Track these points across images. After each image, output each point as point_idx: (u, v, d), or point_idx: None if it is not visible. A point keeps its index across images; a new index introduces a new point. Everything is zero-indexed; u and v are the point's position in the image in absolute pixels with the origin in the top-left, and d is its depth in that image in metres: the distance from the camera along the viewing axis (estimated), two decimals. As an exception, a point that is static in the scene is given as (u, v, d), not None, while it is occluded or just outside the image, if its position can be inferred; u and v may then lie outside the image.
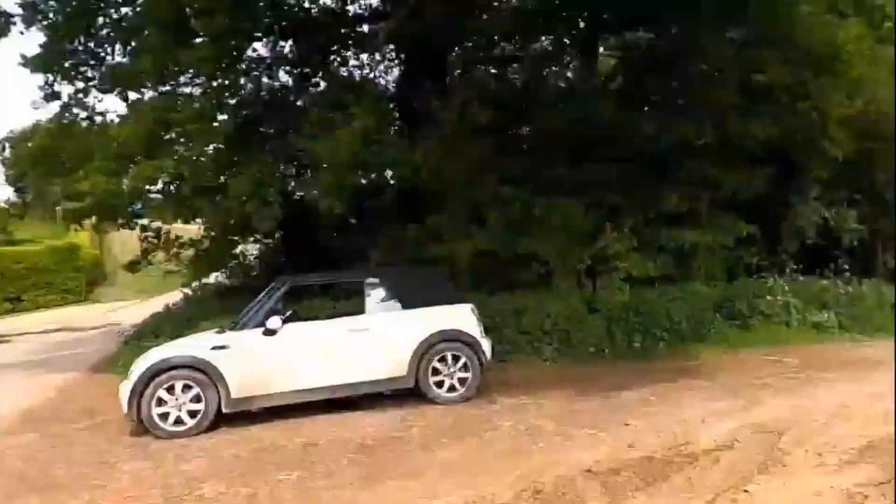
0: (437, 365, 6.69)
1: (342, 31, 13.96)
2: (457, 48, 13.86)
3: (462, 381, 6.72)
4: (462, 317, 6.89)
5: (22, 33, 11.39)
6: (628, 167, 12.97)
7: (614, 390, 6.84)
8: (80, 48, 11.95)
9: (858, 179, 14.44)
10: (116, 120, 11.95)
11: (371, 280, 7.06)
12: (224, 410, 5.97)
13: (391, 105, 13.17)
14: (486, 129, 11.57)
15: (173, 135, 11.14)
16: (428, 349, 6.61)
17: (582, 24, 13.69)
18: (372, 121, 9.87)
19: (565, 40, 14.63)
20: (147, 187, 11.39)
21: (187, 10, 10.16)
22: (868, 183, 14.25)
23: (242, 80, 12.28)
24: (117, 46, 12.05)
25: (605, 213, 12.00)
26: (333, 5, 14.11)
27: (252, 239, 14.21)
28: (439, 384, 6.69)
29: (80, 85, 12.02)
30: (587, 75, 14.55)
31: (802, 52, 11.09)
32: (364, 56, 14.99)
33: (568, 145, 13.50)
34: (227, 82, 11.49)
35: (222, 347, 6.12)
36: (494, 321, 8.98)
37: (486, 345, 6.99)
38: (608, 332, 9.14)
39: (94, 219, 15.48)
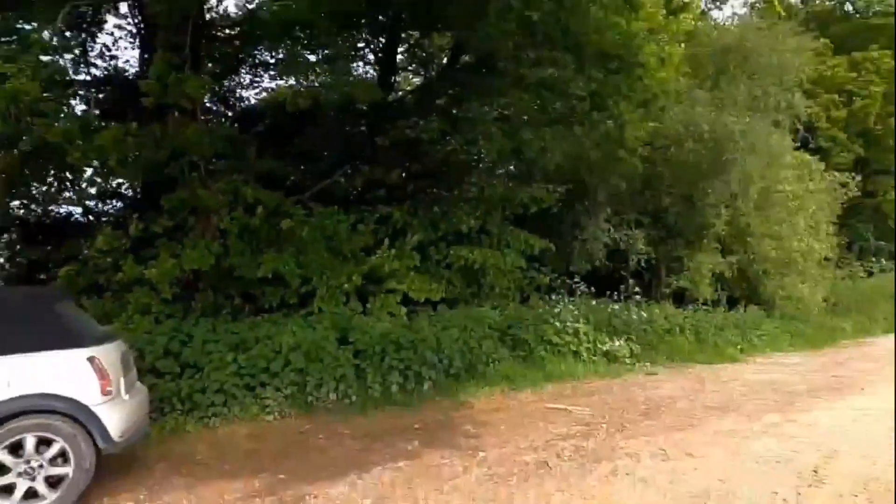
0: (4, 457, 3.64)
1: None
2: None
3: (54, 481, 3.71)
4: (66, 372, 3.88)
5: None
6: (419, 181, 11.16)
7: (337, 473, 4.24)
8: None
9: (645, 202, 14.13)
10: None
11: None
12: None
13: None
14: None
15: None
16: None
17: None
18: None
19: (359, 45, 12.62)
20: None
21: None
22: (654, 206, 13.99)
23: None
24: None
25: (385, 228, 9.91)
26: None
27: None
28: (6, 490, 3.61)
29: None
30: (385, 83, 12.60)
31: (595, 56, 10.10)
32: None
33: (353, 154, 11.50)
34: None
35: None
36: (207, 359, 6.31)
37: (115, 415, 3.96)
38: (359, 371, 6.59)
39: None
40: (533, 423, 5.51)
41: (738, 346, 9.59)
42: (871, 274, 19.75)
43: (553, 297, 10.57)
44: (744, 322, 10.45)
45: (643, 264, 12.44)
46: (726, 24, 12.89)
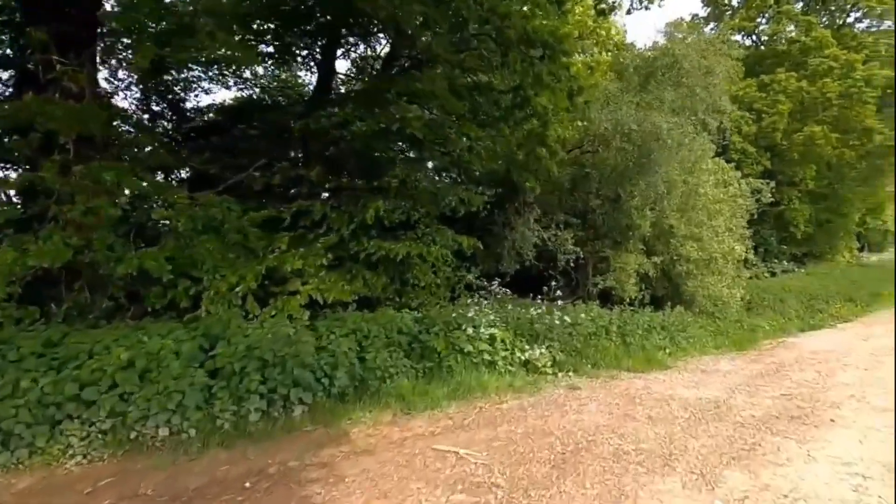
0: None
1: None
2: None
3: None
4: None
5: None
6: (343, 177, 9.12)
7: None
8: None
9: (575, 203, 12.44)
10: None
11: None
12: None
13: None
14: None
15: None
16: None
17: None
18: None
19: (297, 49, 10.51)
20: None
21: None
22: (582, 207, 12.31)
23: None
24: None
25: (307, 223, 7.85)
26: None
27: None
28: None
29: None
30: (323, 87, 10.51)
31: (519, 41, 8.24)
32: None
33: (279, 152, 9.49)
34: None
35: None
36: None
37: None
38: (210, 396, 4.48)
39: None
40: (406, 477, 3.52)
41: (667, 350, 7.85)
42: (773, 274, 18.81)
43: (476, 297, 8.74)
44: (670, 324, 8.74)
45: (571, 264, 10.69)
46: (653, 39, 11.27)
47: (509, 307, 7.39)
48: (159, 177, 8.83)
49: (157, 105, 10.84)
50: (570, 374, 6.37)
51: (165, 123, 10.78)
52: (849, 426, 4.36)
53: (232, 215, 6.51)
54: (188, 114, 11.02)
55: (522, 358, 6.22)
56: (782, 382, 6.00)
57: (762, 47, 22.98)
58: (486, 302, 7.39)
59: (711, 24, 24.52)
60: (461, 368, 5.83)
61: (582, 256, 10.78)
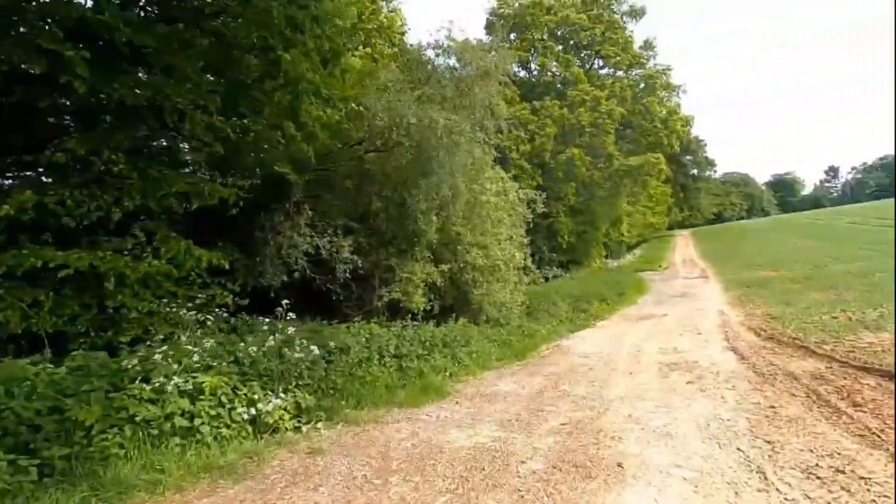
0: None
1: None
2: None
3: None
4: None
5: None
6: None
7: None
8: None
9: (355, 206, 10.84)
10: None
11: None
12: None
13: None
14: None
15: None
16: None
17: None
18: None
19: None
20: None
21: None
22: (364, 210, 10.77)
23: None
24: None
25: None
26: None
27: None
28: None
29: None
30: None
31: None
32: None
33: None
34: None
35: None
36: None
37: None
38: None
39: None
40: None
41: (447, 372, 6.61)
42: (547, 279, 20.25)
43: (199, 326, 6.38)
44: (453, 339, 7.61)
45: (349, 275, 8.94)
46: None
47: (249, 339, 5.21)
48: None
49: None
50: (321, 425, 4.52)
51: None
52: (638, 474, 3.44)
53: None
54: None
55: (247, 414, 4.14)
56: (561, 405, 5.14)
57: (533, 79, 25.16)
58: (200, 331, 5.09)
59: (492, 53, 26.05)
60: (132, 449, 3.49)
61: (362, 266, 9.13)
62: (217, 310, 6.73)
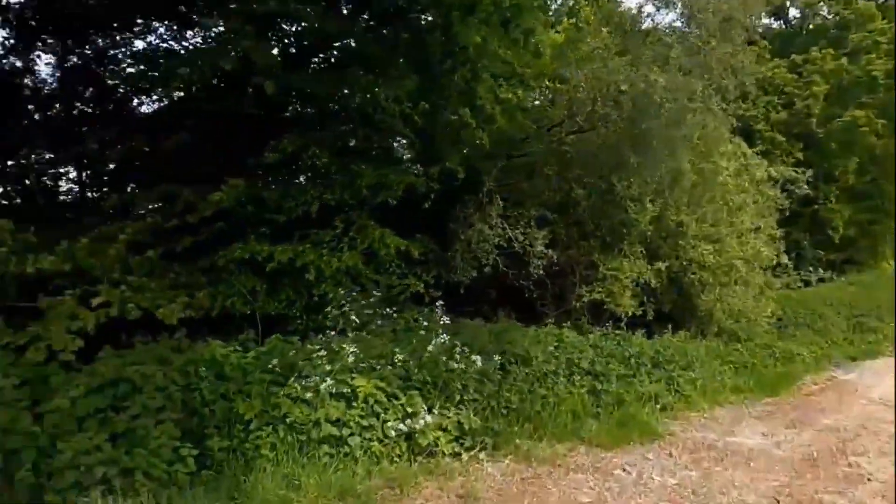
0: None
1: None
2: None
3: None
4: None
5: None
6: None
7: None
8: None
9: (553, 194, 9.68)
10: None
11: None
12: None
13: None
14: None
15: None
16: None
17: None
18: None
19: None
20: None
21: None
22: (563, 199, 9.55)
23: None
24: None
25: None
26: None
27: None
28: None
29: None
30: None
31: None
32: None
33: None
34: None
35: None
36: None
37: None
38: None
39: None
40: None
41: (657, 402, 5.04)
42: (808, 284, 15.45)
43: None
44: (668, 357, 5.91)
45: (544, 270, 7.90)
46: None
47: (413, 338, 4.70)
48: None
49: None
50: (484, 454, 3.69)
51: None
52: None
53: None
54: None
55: (401, 429, 3.57)
56: (861, 495, 3.16)
57: (792, 28, 19.64)
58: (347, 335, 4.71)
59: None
60: (281, 452, 3.24)
61: (558, 261, 7.99)
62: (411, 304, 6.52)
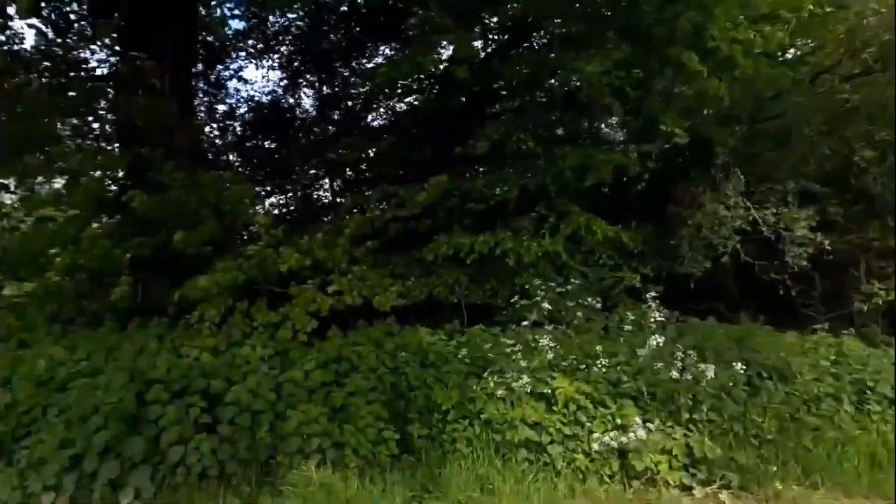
0: None
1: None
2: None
3: None
4: None
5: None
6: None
7: None
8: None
9: (822, 161, 7.26)
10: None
11: None
12: None
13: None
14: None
15: None
16: None
17: None
18: None
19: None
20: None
21: None
22: (838, 165, 7.04)
23: None
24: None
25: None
26: None
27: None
28: None
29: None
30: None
31: None
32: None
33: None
34: None
35: None
36: None
37: None
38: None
39: None
40: None
41: None
42: None
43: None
44: None
45: (807, 261, 6.00)
46: None
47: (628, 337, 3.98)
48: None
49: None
50: (727, 494, 2.81)
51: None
52: None
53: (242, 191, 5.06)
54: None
55: (610, 443, 2.98)
56: None
57: None
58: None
59: None
60: (478, 449, 3.04)
61: (830, 248, 6.00)
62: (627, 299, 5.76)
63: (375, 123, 8.68)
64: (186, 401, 2.97)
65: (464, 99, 6.68)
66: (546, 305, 4.82)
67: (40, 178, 5.37)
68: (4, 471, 2.59)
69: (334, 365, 3.66)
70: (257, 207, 5.62)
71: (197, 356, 3.52)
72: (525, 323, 3.98)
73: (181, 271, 4.77)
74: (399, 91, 7.47)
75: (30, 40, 6.14)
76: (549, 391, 3.19)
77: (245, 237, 5.34)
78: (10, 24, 6.52)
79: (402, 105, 8.42)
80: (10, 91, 5.26)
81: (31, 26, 6.70)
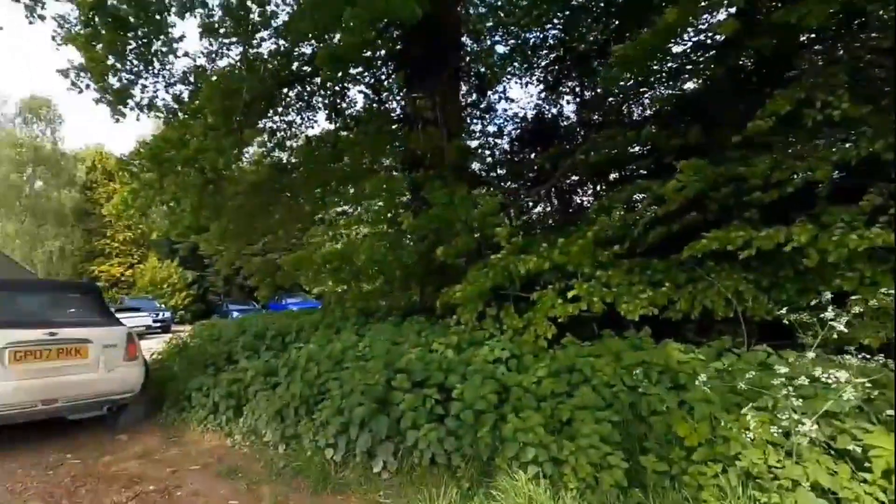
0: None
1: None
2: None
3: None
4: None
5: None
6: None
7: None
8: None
9: None
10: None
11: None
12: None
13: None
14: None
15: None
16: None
17: None
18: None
19: None
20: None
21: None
22: None
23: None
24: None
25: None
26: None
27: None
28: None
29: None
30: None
31: None
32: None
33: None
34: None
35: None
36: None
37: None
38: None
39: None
40: None
41: None
42: None
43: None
44: None
45: None
46: None
47: None
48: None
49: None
50: None
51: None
52: None
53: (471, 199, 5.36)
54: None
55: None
56: None
57: None
58: None
59: None
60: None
61: None
62: None
63: (635, 116, 7.92)
64: (425, 391, 3.31)
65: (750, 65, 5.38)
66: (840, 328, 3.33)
67: (365, 203, 7.10)
68: (308, 423, 3.48)
69: (566, 375, 3.45)
70: (504, 220, 5.83)
71: (443, 352, 3.90)
72: (811, 354, 2.85)
73: (447, 278, 5.44)
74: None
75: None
76: (858, 448, 2.16)
77: (493, 247, 5.66)
78: (346, 92, 8.84)
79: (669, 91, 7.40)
80: (347, 142, 7.14)
81: (360, 91, 8.89)
